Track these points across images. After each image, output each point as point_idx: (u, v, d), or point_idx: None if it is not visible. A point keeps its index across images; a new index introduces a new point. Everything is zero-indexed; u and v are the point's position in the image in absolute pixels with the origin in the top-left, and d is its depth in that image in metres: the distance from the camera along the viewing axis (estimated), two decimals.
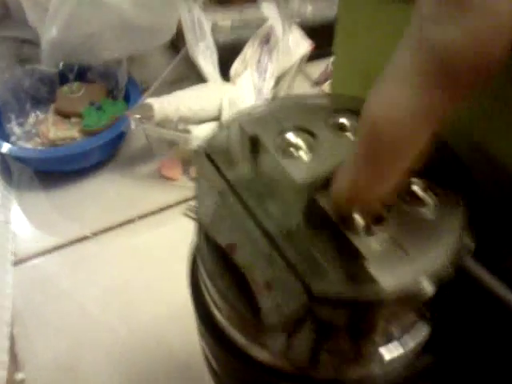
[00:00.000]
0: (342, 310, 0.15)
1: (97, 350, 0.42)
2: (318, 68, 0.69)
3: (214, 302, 0.18)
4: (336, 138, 0.18)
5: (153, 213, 0.53)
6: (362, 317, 0.15)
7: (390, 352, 0.17)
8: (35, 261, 0.49)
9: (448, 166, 0.17)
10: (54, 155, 0.54)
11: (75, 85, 0.59)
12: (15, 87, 0.58)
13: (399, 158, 0.13)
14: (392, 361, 0.17)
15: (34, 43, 0.62)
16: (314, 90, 0.65)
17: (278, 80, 0.60)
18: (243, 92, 0.56)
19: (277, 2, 0.63)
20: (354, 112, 0.19)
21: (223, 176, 0.18)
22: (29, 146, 0.56)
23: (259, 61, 0.60)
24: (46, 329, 0.43)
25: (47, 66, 0.59)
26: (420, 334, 0.17)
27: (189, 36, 0.58)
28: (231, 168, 0.18)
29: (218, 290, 0.17)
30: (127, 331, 0.43)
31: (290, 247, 0.15)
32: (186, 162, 0.56)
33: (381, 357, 0.17)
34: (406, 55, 0.12)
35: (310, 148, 0.18)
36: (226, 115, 0.54)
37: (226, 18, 0.67)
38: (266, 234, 0.16)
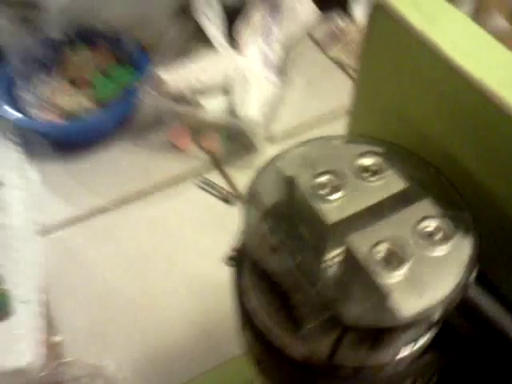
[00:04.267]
0: (365, 333, 0.18)
1: (122, 315, 0.46)
2: (322, 29, 0.69)
3: (256, 311, 0.21)
4: (361, 181, 0.21)
5: (166, 183, 0.55)
6: (384, 337, 0.19)
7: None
8: (60, 232, 0.52)
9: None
10: (70, 128, 0.56)
11: (81, 48, 0.59)
12: (24, 56, 0.58)
13: None
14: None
15: (38, 7, 0.61)
16: (322, 56, 0.66)
17: (286, 47, 0.60)
18: (250, 61, 0.57)
19: None
20: (376, 153, 0.21)
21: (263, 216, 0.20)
22: (43, 115, 0.57)
23: (265, 26, 0.60)
24: (76, 295, 0.48)
25: (55, 31, 0.59)
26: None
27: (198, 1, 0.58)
28: (270, 211, 0.21)
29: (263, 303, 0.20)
30: (147, 297, 0.47)
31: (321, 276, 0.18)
32: (194, 132, 0.58)
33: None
34: None
35: (338, 190, 0.21)
36: (233, 84, 0.55)
37: None
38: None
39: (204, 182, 0.54)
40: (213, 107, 0.54)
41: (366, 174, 0.21)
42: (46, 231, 0.52)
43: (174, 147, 0.57)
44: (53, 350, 0.44)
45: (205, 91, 0.55)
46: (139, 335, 0.45)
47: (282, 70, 0.58)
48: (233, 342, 0.43)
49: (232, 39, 0.60)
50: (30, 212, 0.52)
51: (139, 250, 0.50)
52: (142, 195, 0.54)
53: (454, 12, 0.21)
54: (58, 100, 0.58)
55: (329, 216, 0.19)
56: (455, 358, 0.22)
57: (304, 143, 0.22)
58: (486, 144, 0.19)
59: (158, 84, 0.53)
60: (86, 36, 0.60)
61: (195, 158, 0.57)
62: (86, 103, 0.58)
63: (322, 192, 0.20)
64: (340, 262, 0.19)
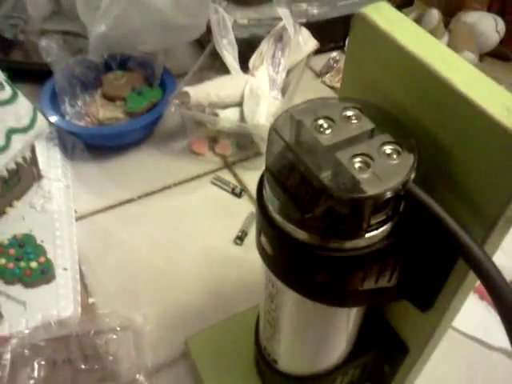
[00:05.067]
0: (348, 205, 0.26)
1: (148, 280, 0.54)
2: (321, 61, 0.80)
3: (272, 205, 0.29)
4: (345, 123, 0.30)
5: (185, 181, 0.65)
6: (358, 208, 0.27)
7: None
8: (93, 218, 0.60)
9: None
10: (103, 132, 0.66)
11: (119, 73, 0.70)
12: (68, 74, 0.69)
13: None
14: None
15: (81, 36, 0.73)
16: (318, 81, 0.77)
17: (288, 72, 0.71)
18: (261, 82, 0.67)
19: (288, 5, 0.74)
20: (356, 107, 0.30)
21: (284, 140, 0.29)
22: (80, 123, 0.67)
23: (273, 56, 0.71)
24: (107, 266, 0.55)
25: (94, 56, 0.70)
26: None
27: (216, 33, 0.69)
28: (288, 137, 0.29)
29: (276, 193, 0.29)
30: (169, 266, 0.55)
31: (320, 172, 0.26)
32: (212, 140, 0.68)
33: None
34: None
35: (330, 128, 0.29)
36: (247, 101, 0.65)
37: (244, 17, 0.78)
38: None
39: (217, 179, 0.64)
40: (228, 117, 0.65)
41: (348, 119, 0.30)
42: (81, 217, 0.60)
43: (193, 153, 0.67)
44: (88, 309, 0.52)
45: (221, 105, 0.65)
46: (162, 295, 0.53)
47: (285, 90, 0.69)
48: (237, 301, 0.51)
49: (245, 66, 0.71)
50: (68, 201, 0.61)
51: (162, 232, 0.58)
52: (164, 189, 0.63)
53: (407, 20, 0.30)
54: (93, 111, 0.68)
55: (324, 142, 0.28)
56: (407, 245, 0.30)
57: (308, 101, 0.31)
58: (430, 102, 0.28)
59: (183, 97, 0.63)
60: (122, 61, 0.71)
61: (211, 161, 0.66)
62: (118, 115, 0.68)
63: (320, 129, 0.29)
64: (331, 167, 0.27)
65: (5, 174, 0.55)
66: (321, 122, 0.29)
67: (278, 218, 0.29)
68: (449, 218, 0.26)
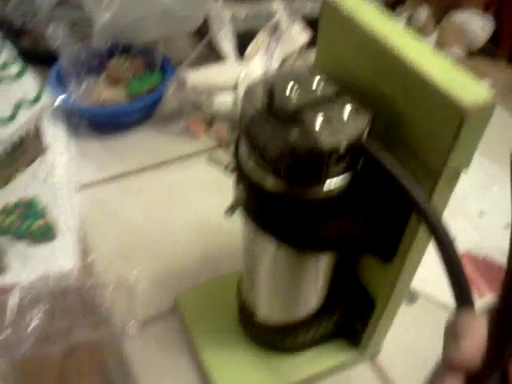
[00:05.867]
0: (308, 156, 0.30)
1: (142, 245, 0.58)
2: (314, 54, 0.85)
3: (246, 159, 0.33)
4: (311, 88, 0.33)
5: (182, 158, 0.69)
6: (317, 158, 0.30)
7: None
8: (93, 188, 0.64)
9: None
10: (105, 111, 0.70)
11: (122, 58, 0.75)
12: (74, 59, 0.73)
13: None
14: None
15: (86, 24, 0.77)
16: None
17: (282, 63, 0.76)
18: (255, 70, 0.72)
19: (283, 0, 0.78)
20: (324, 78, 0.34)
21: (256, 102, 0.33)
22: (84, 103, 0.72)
23: (268, 47, 0.75)
24: (105, 229, 0.59)
25: (98, 43, 0.75)
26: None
27: (213, 24, 0.74)
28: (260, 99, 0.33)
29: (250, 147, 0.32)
30: (164, 232, 0.59)
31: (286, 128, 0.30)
32: (208, 123, 0.72)
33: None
34: None
35: (298, 92, 0.33)
36: (241, 87, 0.70)
37: (242, 11, 0.82)
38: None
39: (212, 158, 0.68)
40: (222, 101, 0.69)
41: (314, 86, 0.33)
42: (82, 187, 0.64)
43: (191, 133, 0.71)
44: (86, 266, 0.55)
45: (218, 89, 0.69)
46: (154, 258, 0.56)
47: None
48: (225, 264, 0.55)
49: (241, 56, 0.75)
50: (70, 173, 0.65)
51: (157, 204, 0.62)
52: (161, 165, 0.67)
53: (367, 5, 0.34)
54: (97, 93, 0.72)
55: (293, 102, 0.32)
56: (365, 197, 0.33)
57: (280, 71, 0.35)
58: (386, 74, 0.32)
59: (182, 82, 0.68)
60: (124, 47, 0.76)
61: (207, 142, 0.71)
62: (120, 97, 0.72)
63: (288, 92, 0.33)
64: (296, 124, 0.31)
65: (10, 144, 0.59)
66: (289, 86, 0.32)
67: (251, 170, 0.33)
68: (397, 169, 0.29)
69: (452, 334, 0.24)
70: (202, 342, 0.48)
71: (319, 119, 0.30)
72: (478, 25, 0.83)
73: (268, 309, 0.44)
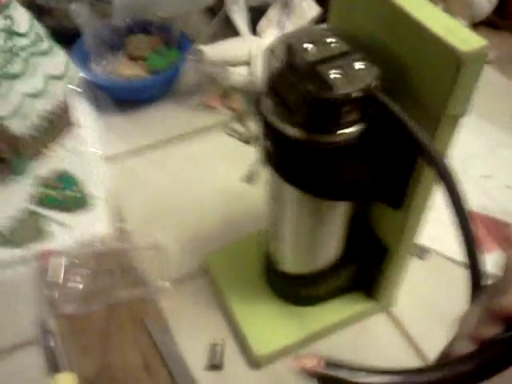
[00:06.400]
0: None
1: (169, 211, 0.62)
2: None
3: (269, 112, 0.37)
4: (326, 45, 0.37)
5: (201, 130, 0.72)
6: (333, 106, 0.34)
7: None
8: (119, 160, 0.68)
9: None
10: (128, 86, 0.73)
11: (140, 35, 0.78)
12: (95, 37, 0.76)
13: None
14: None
15: (107, 2, 0.80)
16: None
17: None
18: (268, 43, 0.75)
19: None
20: (337, 34, 0.37)
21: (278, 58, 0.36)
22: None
23: (279, 21, 0.78)
24: (134, 198, 0.63)
25: (118, 21, 0.78)
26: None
27: (227, 0, 0.76)
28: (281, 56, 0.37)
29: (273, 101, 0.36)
30: (187, 199, 0.63)
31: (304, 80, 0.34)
32: (224, 95, 0.75)
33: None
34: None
35: (314, 49, 0.36)
36: (254, 59, 0.73)
37: None
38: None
39: (230, 129, 0.72)
40: (238, 75, 0.72)
41: (329, 43, 0.37)
42: (109, 159, 0.68)
43: (208, 106, 0.75)
44: (121, 231, 0.60)
45: (232, 63, 0.73)
46: (181, 222, 0.61)
47: None
48: (247, 225, 0.59)
49: (254, 31, 0.78)
50: (98, 145, 0.69)
51: (180, 173, 0.67)
52: (182, 137, 0.71)
53: None
54: (119, 69, 0.76)
55: (308, 59, 0.35)
56: (376, 145, 0.37)
57: (298, 29, 0.39)
58: (394, 30, 0.36)
59: (198, 54, 0.71)
60: (142, 25, 0.79)
61: (224, 114, 0.74)
62: (140, 72, 0.75)
63: (305, 49, 0.36)
64: (313, 77, 0.34)
65: (42, 117, 0.63)
66: (306, 44, 0.36)
67: (274, 120, 0.36)
68: (405, 116, 0.33)
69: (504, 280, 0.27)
70: (230, 297, 0.52)
71: (334, 72, 0.34)
72: None
73: (291, 259, 0.49)
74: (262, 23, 0.77)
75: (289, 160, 0.38)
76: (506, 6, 0.90)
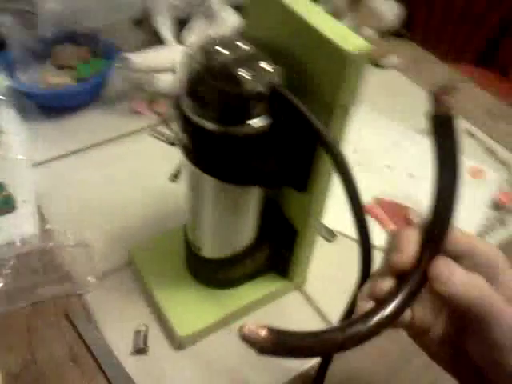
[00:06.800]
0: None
1: (96, 210, 0.64)
2: None
3: (186, 107, 0.41)
4: (237, 49, 0.41)
5: (128, 134, 0.75)
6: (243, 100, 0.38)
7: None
8: (47, 164, 0.70)
9: None
10: (55, 93, 0.76)
11: (69, 46, 0.80)
12: (22, 46, 0.78)
13: None
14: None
15: (33, 13, 0.82)
16: None
17: None
18: None
19: None
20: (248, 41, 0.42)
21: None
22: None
23: (202, 30, 0.83)
24: (61, 201, 0.65)
25: (44, 31, 0.80)
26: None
27: (153, 11, 0.80)
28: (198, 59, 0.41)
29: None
30: (115, 198, 0.66)
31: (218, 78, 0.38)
32: (151, 101, 0.79)
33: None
34: None
35: (227, 52, 0.41)
36: (179, 67, 0.77)
37: None
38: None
39: (156, 132, 0.75)
40: (164, 82, 0.76)
41: (239, 47, 0.42)
42: (38, 164, 0.70)
43: (135, 112, 0.78)
44: (47, 231, 0.62)
45: (159, 70, 0.76)
46: (108, 219, 0.63)
47: None
48: (171, 221, 0.62)
49: (178, 40, 0.82)
50: (25, 151, 0.71)
51: (108, 174, 0.69)
52: (110, 142, 0.74)
53: None
54: (46, 78, 0.78)
55: (223, 60, 0.39)
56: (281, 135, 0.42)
57: (212, 37, 0.43)
58: (296, 37, 0.41)
59: (126, 62, 0.74)
60: (70, 35, 0.81)
61: (150, 119, 0.78)
62: (68, 81, 0.78)
63: (219, 52, 0.41)
64: (225, 75, 0.39)
65: None
66: (220, 49, 0.41)
67: (192, 116, 0.40)
68: (304, 108, 0.38)
69: (393, 244, 0.33)
70: (153, 285, 0.55)
71: (243, 72, 0.38)
72: (387, 9, 0.94)
73: (210, 244, 0.52)
74: (186, 33, 0.82)
75: (205, 151, 0.42)
76: (411, 18, 0.99)
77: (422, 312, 0.34)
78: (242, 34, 0.46)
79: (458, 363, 0.34)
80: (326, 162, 0.43)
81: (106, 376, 0.50)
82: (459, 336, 0.33)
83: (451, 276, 0.31)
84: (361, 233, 0.37)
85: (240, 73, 0.38)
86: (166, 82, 0.77)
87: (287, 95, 0.39)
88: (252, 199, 0.48)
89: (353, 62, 0.36)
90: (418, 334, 0.35)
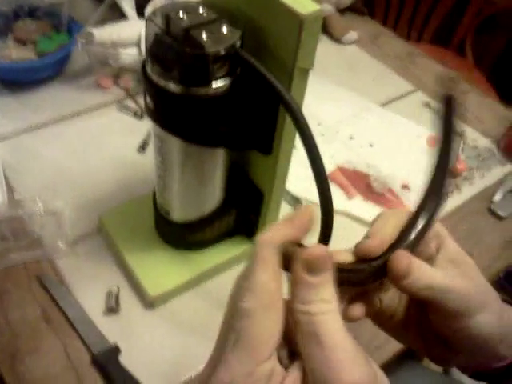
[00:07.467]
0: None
1: (66, 179, 0.65)
2: None
3: (151, 71, 0.42)
4: (198, 14, 0.43)
5: (94, 108, 0.76)
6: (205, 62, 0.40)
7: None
8: (13, 138, 0.70)
9: None
10: (17, 67, 0.75)
11: (28, 20, 0.80)
12: None
13: None
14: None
15: None
16: None
17: None
18: None
19: None
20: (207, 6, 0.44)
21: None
22: None
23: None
24: (29, 172, 0.66)
25: (3, 5, 0.79)
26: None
27: None
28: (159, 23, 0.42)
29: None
30: (83, 168, 0.67)
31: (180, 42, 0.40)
32: (115, 76, 0.79)
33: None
34: None
35: (187, 17, 0.43)
36: (143, 41, 0.77)
37: None
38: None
39: (122, 106, 0.76)
40: (128, 56, 0.77)
41: (200, 13, 0.43)
42: (3, 138, 0.70)
43: (100, 86, 0.79)
44: (16, 201, 0.62)
45: (123, 44, 0.77)
46: (78, 188, 0.65)
47: None
48: (140, 189, 0.64)
49: (141, 15, 0.83)
50: None
51: (77, 146, 0.70)
52: (76, 115, 0.74)
53: None
54: (7, 52, 0.77)
55: (185, 24, 0.41)
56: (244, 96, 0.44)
57: (173, 2, 0.45)
58: (254, 2, 0.43)
59: (88, 37, 0.74)
60: (30, 10, 0.81)
61: (115, 93, 0.78)
62: (30, 55, 0.77)
63: (180, 17, 0.43)
64: (187, 39, 0.41)
65: None
66: (181, 14, 0.42)
67: (157, 79, 0.42)
68: (265, 70, 0.40)
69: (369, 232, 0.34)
70: (124, 248, 0.57)
71: (204, 35, 0.40)
72: None
73: (178, 207, 0.54)
74: (149, 8, 0.82)
75: (171, 113, 0.44)
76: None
77: (388, 298, 0.37)
78: (203, 1, 0.48)
79: (423, 339, 0.37)
80: (289, 125, 0.46)
81: (79, 335, 0.52)
82: (420, 314, 0.36)
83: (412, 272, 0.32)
84: (322, 193, 0.39)
85: (202, 36, 0.40)
86: (131, 56, 0.77)
87: (246, 57, 0.41)
88: (218, 162, 0.50)
89: (308, 24, 0.38)
90: (384, 320, 0.38)
